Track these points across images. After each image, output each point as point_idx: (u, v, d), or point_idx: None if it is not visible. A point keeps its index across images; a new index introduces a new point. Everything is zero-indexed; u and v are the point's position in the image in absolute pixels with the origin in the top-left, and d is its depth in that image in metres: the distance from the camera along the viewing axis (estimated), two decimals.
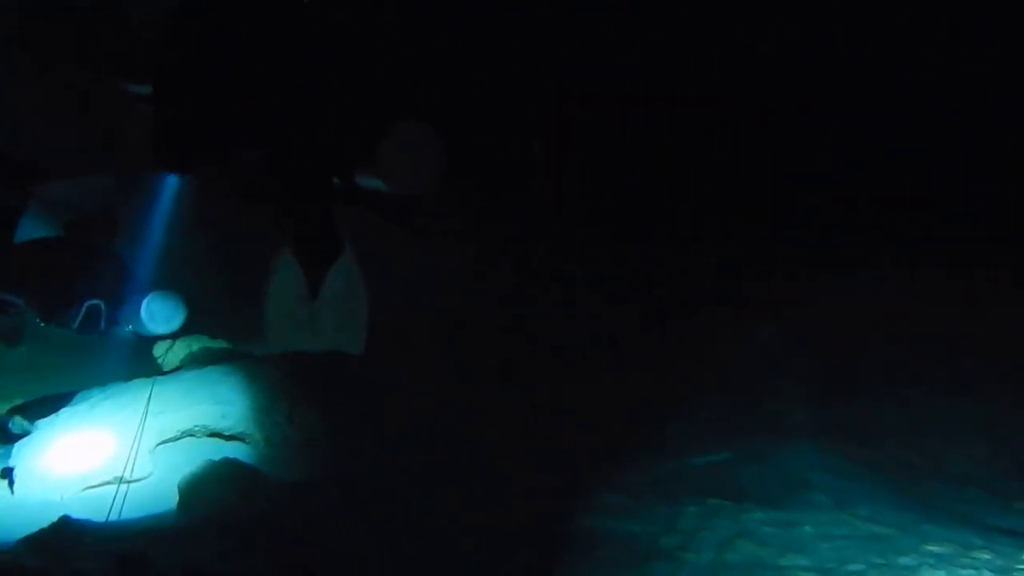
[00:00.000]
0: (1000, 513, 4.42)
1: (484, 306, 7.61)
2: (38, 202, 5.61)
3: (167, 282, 5.82)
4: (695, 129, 7.60)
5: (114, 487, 4.84)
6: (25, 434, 5.45)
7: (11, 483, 5.02)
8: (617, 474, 4.91)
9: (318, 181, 6.05)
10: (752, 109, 7.57)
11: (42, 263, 5.62)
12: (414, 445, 5.32)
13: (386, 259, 6.92)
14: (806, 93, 7.49)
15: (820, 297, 6.86)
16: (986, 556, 3.62)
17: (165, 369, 6.42)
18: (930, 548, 3.71)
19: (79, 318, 5.55)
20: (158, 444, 5.40)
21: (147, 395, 5.37)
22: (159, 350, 6.63)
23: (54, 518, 4.14)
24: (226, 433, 5.55)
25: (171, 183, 6.20)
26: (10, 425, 5.76)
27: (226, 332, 6.93)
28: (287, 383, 5.74)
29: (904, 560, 3.64)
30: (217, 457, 4.87)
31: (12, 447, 5.26)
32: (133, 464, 5.01)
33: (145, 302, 5.59)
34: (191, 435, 5.53)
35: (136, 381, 5.71)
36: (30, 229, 5.62)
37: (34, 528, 4.07)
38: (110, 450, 5.17)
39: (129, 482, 4.92)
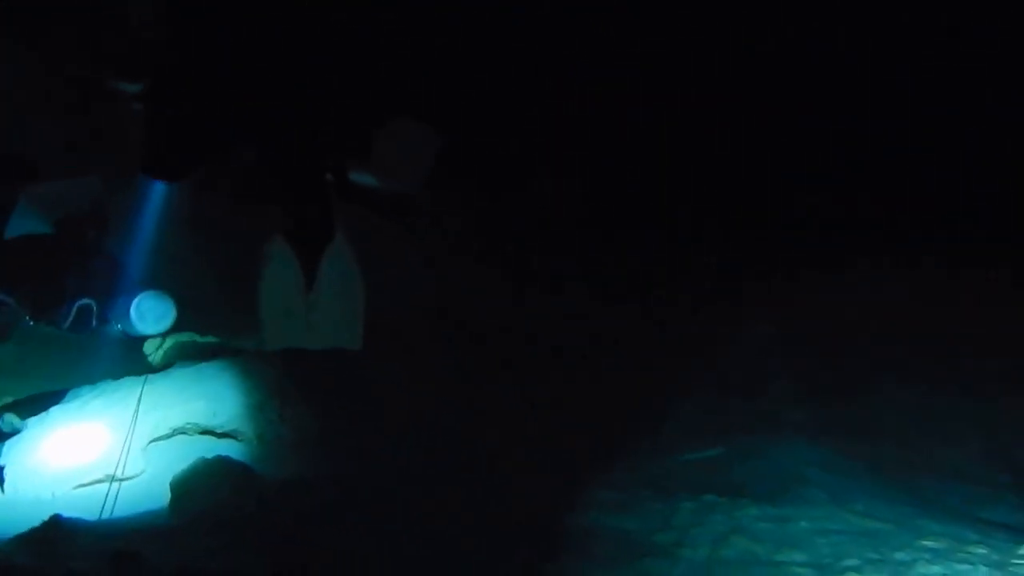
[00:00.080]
0: (995, 508, 4.41)
1: (484, 306, 7.58)
2: (28, 199, 5.58)
3: (158, 281, 5.79)
4: (695, 129, 7.57)
5: (106, 485, 4.83)
6: (16, 432, 5.45)
7: (2, 481, 5.02)
8: (613, 471, 4.89)
9: (317, 180, 6.04)
10: (752, 109, 7.53)
11: (33, 262, 5.59)
12: (413, 445, 5.31)
13: (386, 259, 6.90)
14: (806, 93, 7.45)
15: (820, 297, 6.82)
16: (982, 551, 3.61)
17: (156, 366, 6.39)
18: (926, 543, 3.70)
19: (70, 317, 5.52)
20: (150, 442, 5.40)
21: (138, 392, 5.35)
22: (150, 347, 6.60)
23: (45, 516, 4.15)
24: (218, 430, 5.55)
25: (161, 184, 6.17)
26: (1, 423, 5.73)
27: (218, 329, 6.91)
28: (281, 381, 5.73)
29: (900, 555, 3.62)
30: (209, 455, 4.88)
31: (3, 445, 5.28)
32: (125, 462, 5.00)
33: (135, 302, 5.54)
34: (183, 432, 5.53)
35: (127, 379, 5.71)
36: (20, 227, 5.58)
37: (25, 527, 4.07)
38: (102, 448, 5.17)
39: (121, 480, 4.92)
